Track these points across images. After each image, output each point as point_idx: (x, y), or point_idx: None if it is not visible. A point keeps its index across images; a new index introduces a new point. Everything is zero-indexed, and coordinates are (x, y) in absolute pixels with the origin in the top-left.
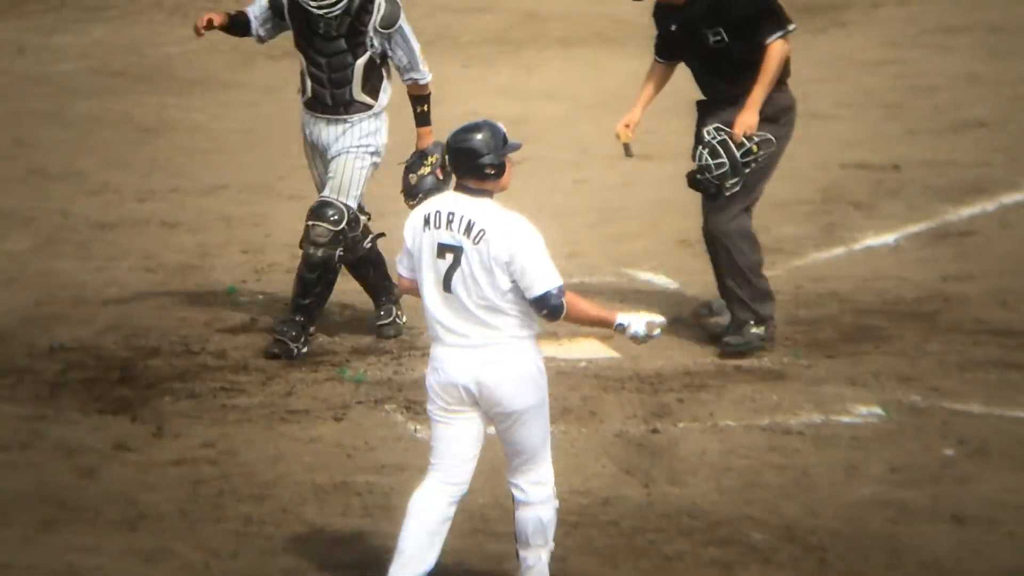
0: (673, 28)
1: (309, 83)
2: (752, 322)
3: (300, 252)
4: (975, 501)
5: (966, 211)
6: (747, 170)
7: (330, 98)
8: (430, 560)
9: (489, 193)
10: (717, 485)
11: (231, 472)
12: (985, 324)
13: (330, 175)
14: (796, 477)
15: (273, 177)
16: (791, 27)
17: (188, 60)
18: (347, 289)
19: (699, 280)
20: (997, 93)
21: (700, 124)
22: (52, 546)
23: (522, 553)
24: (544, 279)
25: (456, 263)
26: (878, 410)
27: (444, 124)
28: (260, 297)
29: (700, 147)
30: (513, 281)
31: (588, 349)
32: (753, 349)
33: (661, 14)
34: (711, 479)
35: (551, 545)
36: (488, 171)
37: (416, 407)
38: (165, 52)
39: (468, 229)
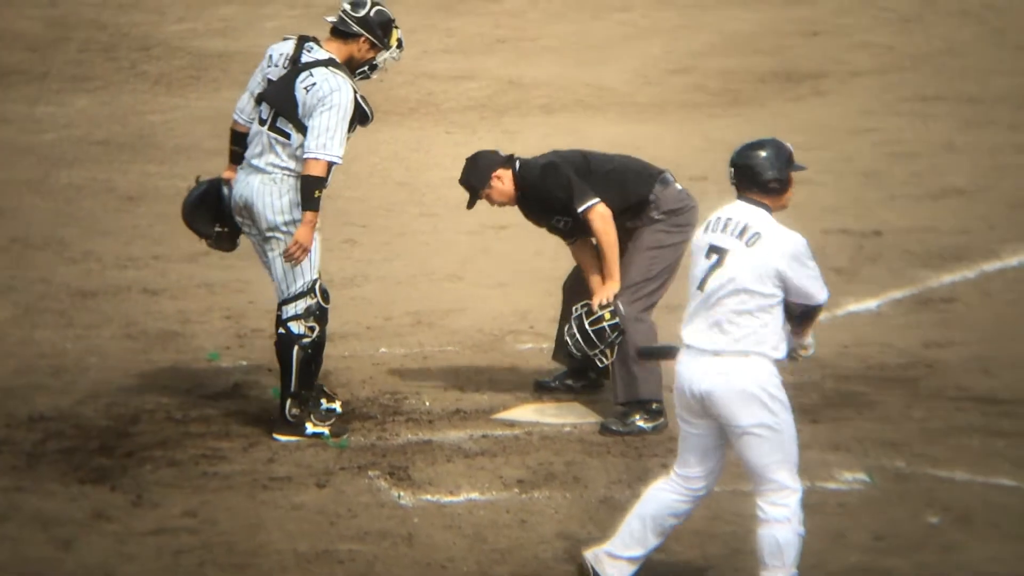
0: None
1: None
2: (638, 416)
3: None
4: (961, 571)
5: (947, 278)
6: (610, 339)
7: None
8: (645, 545)
9: (768, 207)
10: (703, 552)
11: (212, 541)
12: (967, 391)
13: None
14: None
15: None
16: (593, 200)
17: (170, 129)
18: (331, 355)
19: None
20: (975, 162)
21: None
22: None
23: (761, 574)
24: (817, 289)
25: (719, 264)
26: (863, 476)
27: (428, 190)
28: (243, 363)
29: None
30: (777, 290)
31: (572, 414)
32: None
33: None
34: (696, 546)
35: (792, 571)
36: (772, 185)
37: (400, 473)
38: (148, 121)
39: (742, 232)
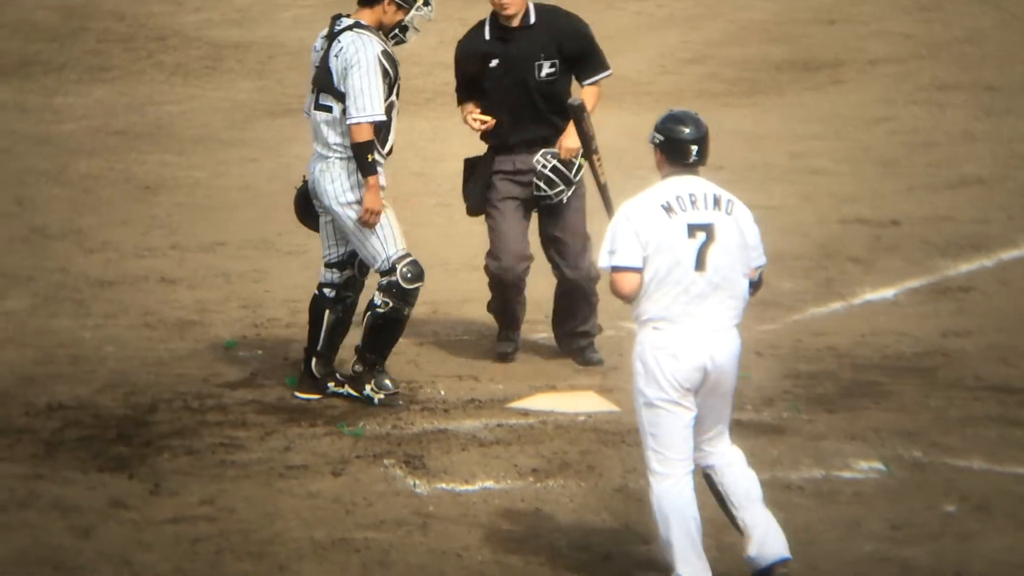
0: (494, 64)
1: (393, 135)
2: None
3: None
4: (978, 560)
5: (965, 267)
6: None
7: None
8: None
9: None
10: (717, 541)
11: (229, 529)
12: (985, 380)
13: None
14: (797, 533)
15: (272, 233)
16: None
17: (188, 119)
18: (347, 344)
19: None
20: (993, 151)
21: (487, 172)
22: None
23: (744, 516)
24: (762, 249)
25: (710, 239)
26: (879, 465)
27: (444, 179)
28: (259, 352)
29: (535, 179)
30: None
31: (587, 403)
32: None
33: (479, 51)
34: (711, 535)
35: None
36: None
37: (415, 461)
38: (165, 111)
39: (716, 203)
